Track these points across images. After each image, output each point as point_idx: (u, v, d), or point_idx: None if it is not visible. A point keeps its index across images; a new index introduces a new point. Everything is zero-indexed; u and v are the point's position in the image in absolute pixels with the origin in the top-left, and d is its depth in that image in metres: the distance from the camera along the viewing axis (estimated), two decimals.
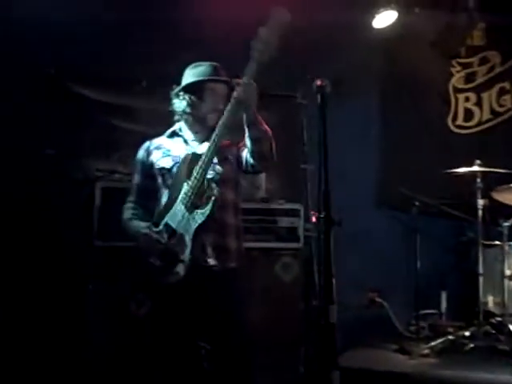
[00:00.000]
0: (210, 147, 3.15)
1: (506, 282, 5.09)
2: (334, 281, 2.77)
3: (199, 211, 3.11)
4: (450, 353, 4.87)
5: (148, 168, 3.43)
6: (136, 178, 3.48)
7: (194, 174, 3.15)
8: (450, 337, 5.01)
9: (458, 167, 5.27)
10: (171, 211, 3.21)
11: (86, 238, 4.55)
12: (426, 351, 4.83)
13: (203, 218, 3.09)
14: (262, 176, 3.68)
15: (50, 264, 4.73)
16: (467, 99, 6.39)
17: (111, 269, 4.45)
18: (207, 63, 3.45)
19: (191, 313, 3.24)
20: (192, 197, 3.13)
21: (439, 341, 4.96)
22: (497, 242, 5.27)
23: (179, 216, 3.16)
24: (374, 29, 5.93)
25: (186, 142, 3.43)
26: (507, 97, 6.29)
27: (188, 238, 3.11)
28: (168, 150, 3.41)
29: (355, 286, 5.61)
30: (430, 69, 6.35)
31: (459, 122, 6.38)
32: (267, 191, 5.05)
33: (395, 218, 6.06)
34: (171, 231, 3.18)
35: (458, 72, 6.43)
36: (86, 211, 4.63)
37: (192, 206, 3.13)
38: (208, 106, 3.37)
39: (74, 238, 4.75)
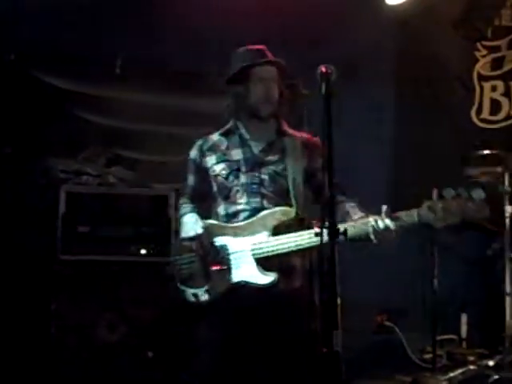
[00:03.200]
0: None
1: None
2: (338, 301, 2.83)
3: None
4: None
5: (203, 171, 3.53)
6: (190, 179, 3.60)
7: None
8: (472, 367, 5.05)
9: (482, 167, 5.33)
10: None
11: (49, 250, 4.59)
12: (444, 383, 4.91)
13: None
14: None
15: (7, 280, 4.71)
16: (494, 88, 6.39)
17: (78, 286, 4.52)
18: (248, 48, 3.48)
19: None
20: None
21: (459, 371, 4.99)
22: None
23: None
24: (387, 6, 5.92)
25: (243, 141, 3.48)
26: None
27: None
28: (223, 154, 3.48)
29: (361, 307, 5.58)
30: (451, 53, 6.36)
31: (485, 115, 6.39)
32: None
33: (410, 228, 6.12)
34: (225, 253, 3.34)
35: (483, 57, 6.42)
36: (48, 219, 4.67)
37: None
38: (256, 94, 3.41)
39: (35, 251, 4.74)
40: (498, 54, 6.44)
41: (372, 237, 3.14)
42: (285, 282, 3.32)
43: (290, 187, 3.36)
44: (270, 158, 3.43)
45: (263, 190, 3.38)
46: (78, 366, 4.43)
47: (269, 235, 3.28)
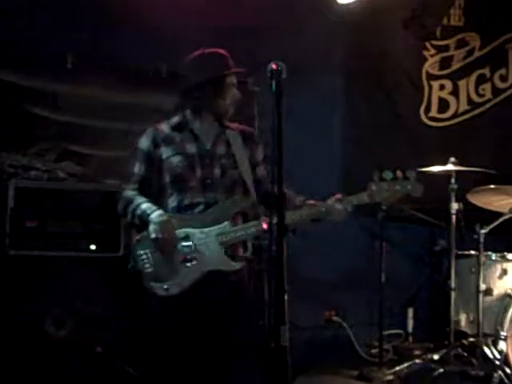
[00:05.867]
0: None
1: (481, 297, 5.09)
2: (286, 297, 2.87)
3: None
4: (416, 379, 5.00)
5: (155, 161, 3.56)
6: (138, 167, 3.59)
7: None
8: (417, 361, 5.14)
9: (430, 165, 5.32)
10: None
11: None
12: (390, 377, 4.97)
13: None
14: None
15: None
16: (442, 87, 6.52)
17: (25, 282, 4.49)
18: (218, 52, 3.58)
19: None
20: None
21: (405, 365, 5.08)
22: (472, 252, 5.34)
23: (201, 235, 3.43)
24: (338, 4, 5.97)
25: (195, 137, 3.57)
26: (487, 85, 6.43)
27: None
28: (178, 146, 3.55)
29: (310, 302, 5.72)
30: (400, 52, 6.47)
31: (433, 113, 6.52)
32: None
33: (358, 224, 6.11)
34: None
35: (432, 56, 6.53)
36: None
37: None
38: (230, 98, 3.55)
39: None
40: (446, 54, 6.55)
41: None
42: (235, 273, 3.47)
43: (245, 177, 3.52)
44: (219, 151, 3.56)
45: (216, 183, 3.49)
46: (25, 362, 4.40)
47: (231, 223, 3.42)
